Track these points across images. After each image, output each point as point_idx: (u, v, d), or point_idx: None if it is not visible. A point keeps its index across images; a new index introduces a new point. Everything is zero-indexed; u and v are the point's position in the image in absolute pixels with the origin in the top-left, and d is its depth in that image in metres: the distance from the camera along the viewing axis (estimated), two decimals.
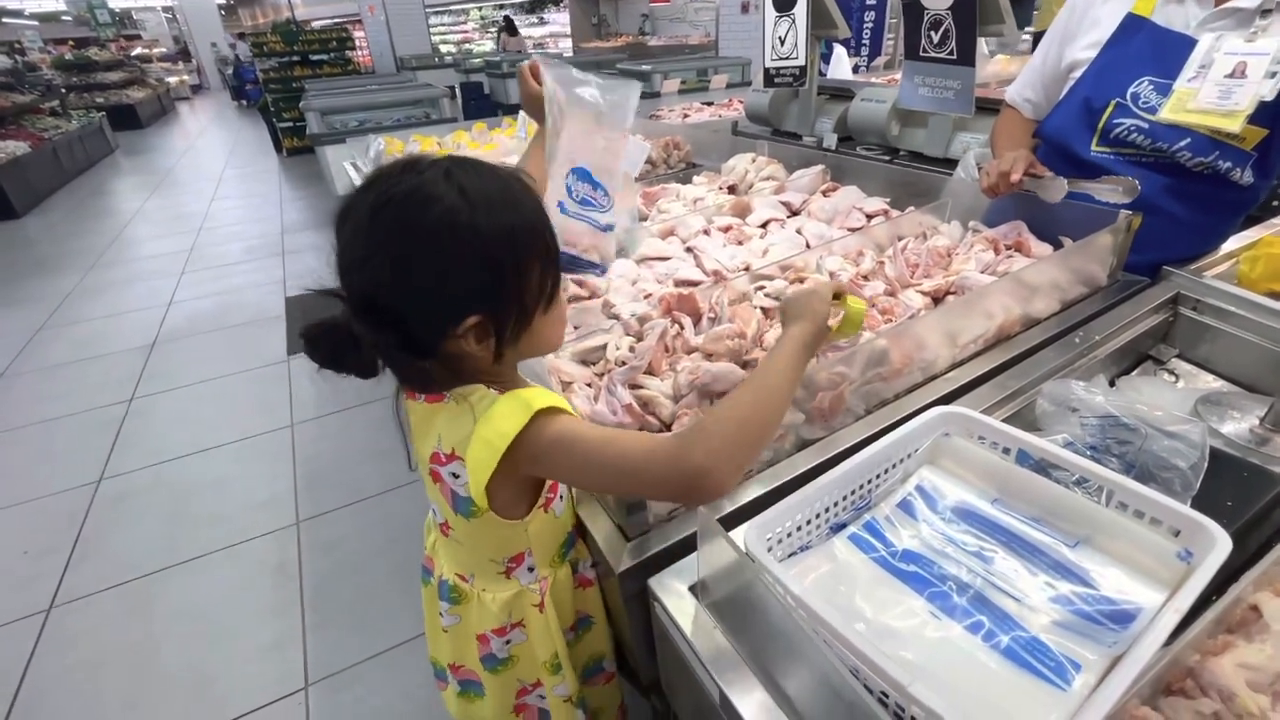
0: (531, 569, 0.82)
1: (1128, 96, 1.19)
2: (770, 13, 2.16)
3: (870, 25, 5.17)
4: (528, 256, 0.66)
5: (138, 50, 16.68)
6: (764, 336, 0.98)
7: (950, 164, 1.91)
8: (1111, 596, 0.60)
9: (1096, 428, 0.80)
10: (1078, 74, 1.28)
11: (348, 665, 1.76)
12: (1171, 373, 1.11)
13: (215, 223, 6.06)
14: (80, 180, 8.25)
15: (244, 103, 13.32)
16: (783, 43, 2.18)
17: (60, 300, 4.43)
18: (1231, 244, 1.25)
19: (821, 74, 2.72)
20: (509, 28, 11.67)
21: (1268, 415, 0.90)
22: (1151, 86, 1.16)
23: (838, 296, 0.81)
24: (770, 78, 2.27)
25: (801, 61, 2.13)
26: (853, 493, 0.73)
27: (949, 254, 1.25)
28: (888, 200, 1.53)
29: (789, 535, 0.68)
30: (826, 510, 0.71)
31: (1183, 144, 1.15)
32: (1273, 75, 1.03)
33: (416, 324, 0.63)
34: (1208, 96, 1.08)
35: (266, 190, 7.12)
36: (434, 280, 0.62)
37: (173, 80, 16.74)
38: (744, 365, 0.93)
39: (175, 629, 1.90)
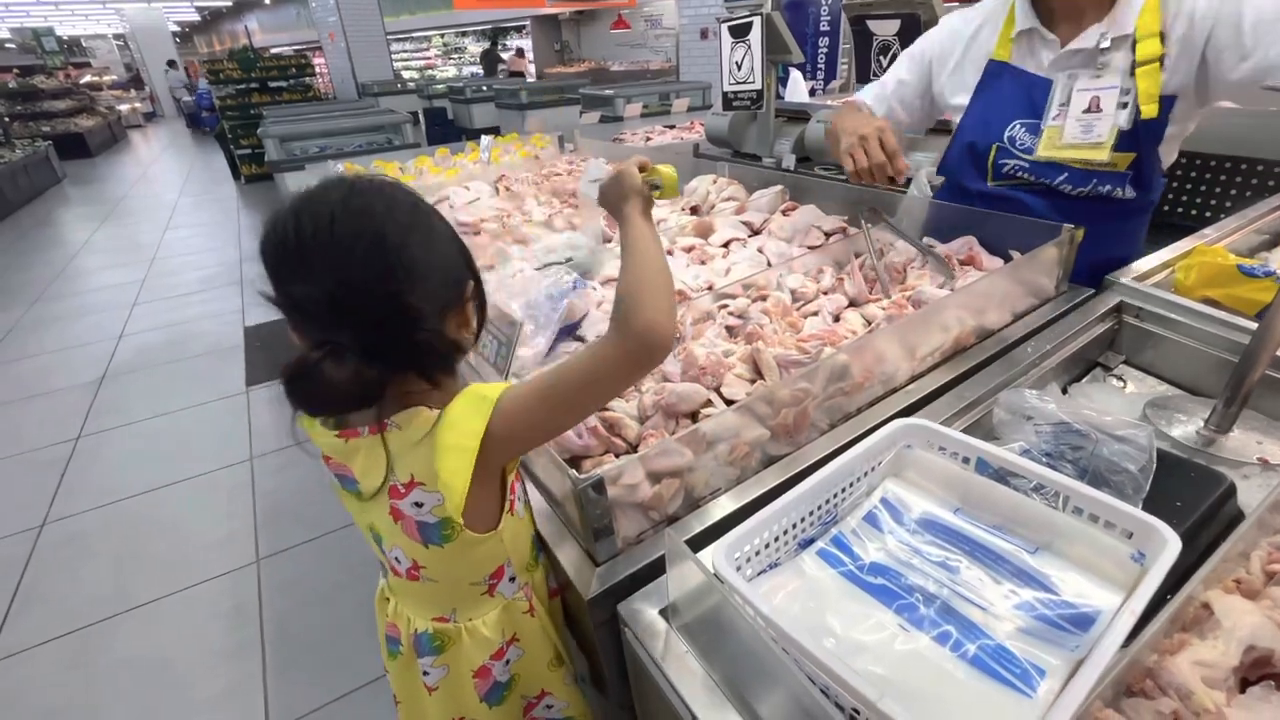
0: (513, 578, 0.80)
1: (1005, 140, 1.31)
2: (727, 39, 2.22)
3: (825, 50, 5.36)
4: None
5: (87, 78, 16.26)
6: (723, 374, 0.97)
7: (904, 182, 1.97)
8: (1071, 601, 0.61)
9: (1050, 435, 0.82)
10: (957, 118, 1.41)
11: (312, 709, 1.69)
12: (1120, 378, 1.15)
13: (169, 252, 5.90)
14: (25, 211, 7.97)
15: (203, 130, 13.07)
16: (739, 68, 2.24)
17: (1, 336, 4.24)
18: (1167, 253, 1.31)
19: (779, 97, 2.79)
20: (518, 52, 12.77)
21: (1211, 417, 0.93)
22: (1024, 128, 1.28)
23: (643, 170, 0.84)
24: (729, 101, 2.32)
25: (758, 86, 2.18)
26: (819, 508, 0.73)
27: (904, 269, 1.28)
28: (845, 218, 1.57)
29: (757, 554, 0.68)
30: (794, 526, 0.71)
31: (1062, 178, 1.27)
32: (1124, 106, 1.15)
33: (430, 297, 0.65)
34: (1072, 132, 1.20)
35: (224, 218, 6.97)
36: (437, 249, 0.67)
37: (124, 108, 16.37)
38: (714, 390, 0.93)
39: (123, 682, 1.80)
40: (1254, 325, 0.98)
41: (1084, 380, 1.15)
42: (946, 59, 1.41)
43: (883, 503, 0.78)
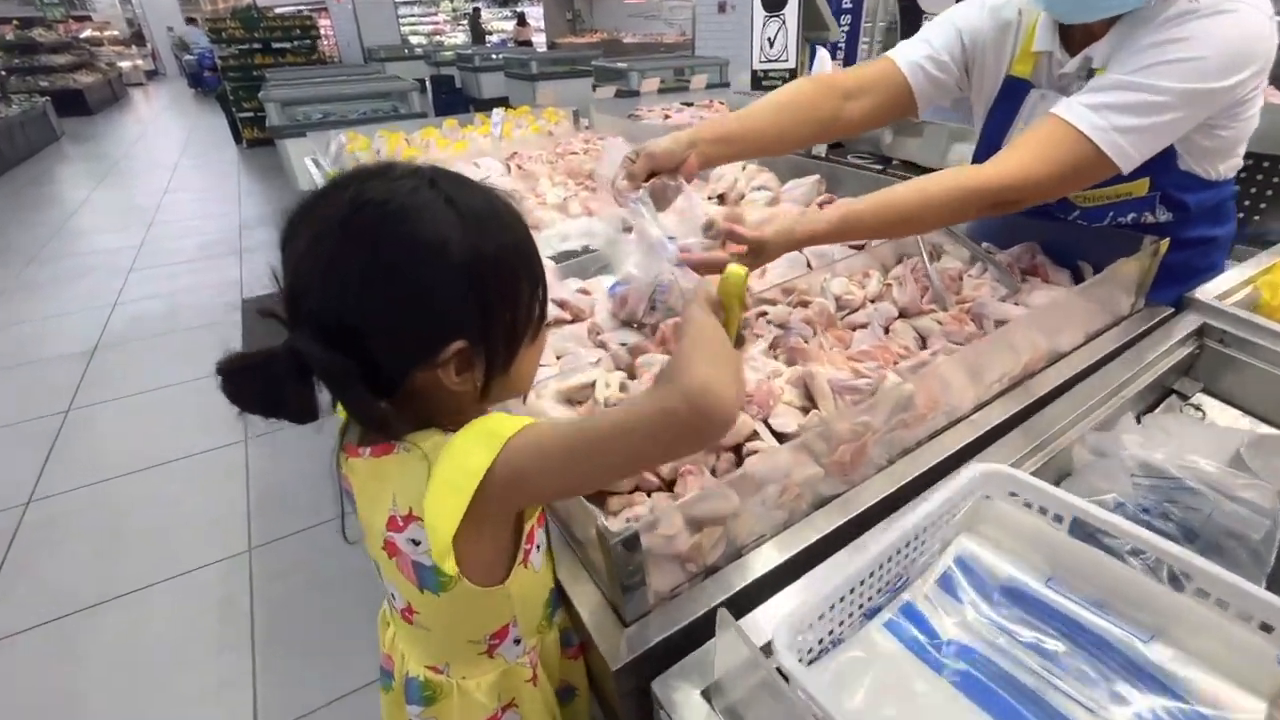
0: (518, 640, 0.70)
1: None
2: (759, 13, 2.07)
3: (846, 29, 5.14)
4: (519, 277, 0.59)
5: (88, 33, 15.88)
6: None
7: None
8: (1206, 713, 0.51)
9: (1149, 488, 0.71)
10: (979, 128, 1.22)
11: (304, 712, 1.61)
12: (1197, 408, 1.04)
13: (168, 216, 5.75)
14: (21, 169, 7.78)
15: (206, 90, 12.78)
16: (771, 44, 2.09)
17: None
18: (1249, 268, 1.19)
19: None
20: (520, 19, 12.65)
21: None
22: None
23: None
24: (758, 80, 2.18)
25: (792, 64, 2.04)
26: (887, 571, 0.63)
27: (960, 277, 1.16)
28: None
29: (820, 634, 0.58)
30: (860, 594, 0.61)
31: (1075, 214, 1.12)
32: None
33: (387, 350, 0.54)
34: None
35: (224, 183, 6.80)
36: (416, 298, 0.54)
37: (125, 65, 16.03)
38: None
39: (109, 672, 1.73)
40: None
41: (1159, 409, 1.04)
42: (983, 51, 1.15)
43: (958, 564, 0.67)
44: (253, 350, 0.53)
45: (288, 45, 8.54)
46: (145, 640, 1.82)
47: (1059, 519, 0.66)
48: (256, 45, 8.30)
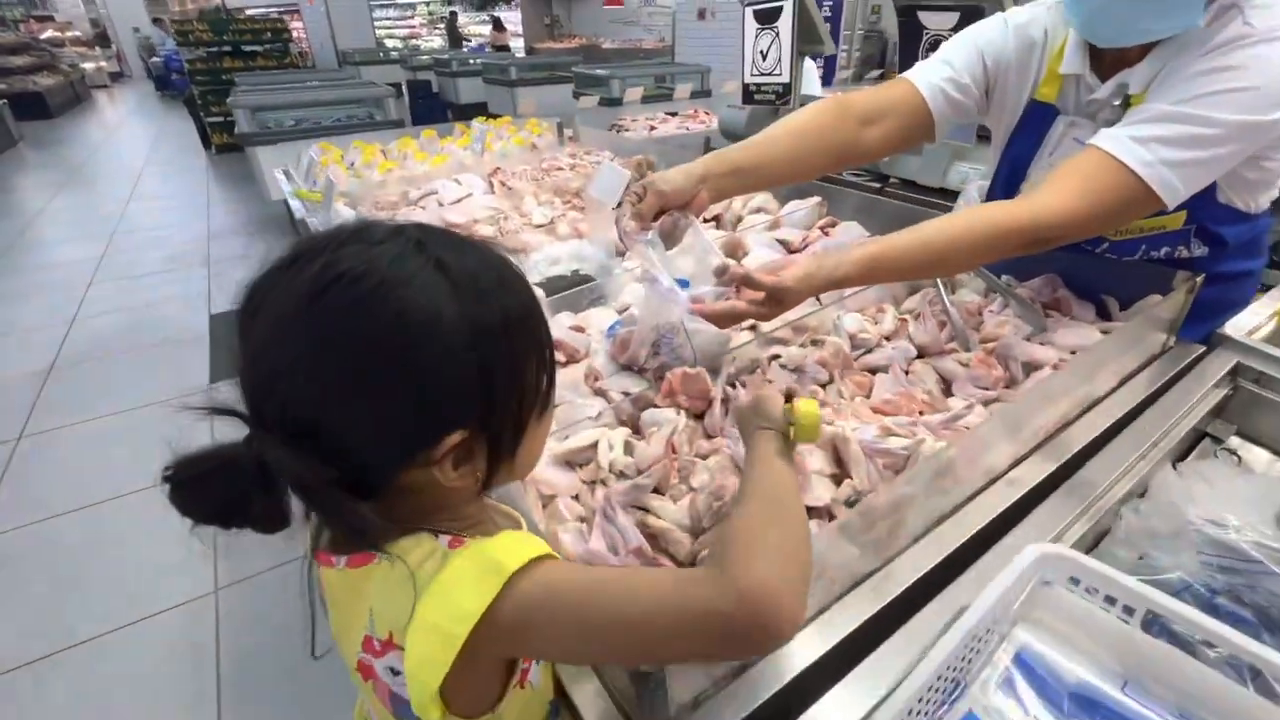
0: None
1: None
2: (751, 25, 2.00)
3: None
4: (525, 349, 0.51)
5: (49, 33, 15.36)
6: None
7: (946, 194, 1.79)
8: None
9: (1222, 567, 0.65)
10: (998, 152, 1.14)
11: None
12: (1233, 452, 0.99)
13: (132, 226, 5.52)
14: None
15: (172, 93, 12.42)
16: (764, 57, 2.02)
17: None
18: (1274, 300, 1.14)
19: None
20: (496, 24, 12.63)
21: None
22: None
23: (788, 399, 0.66)
24: (750, 94, 2.11)
25: (785, 79, 1.97)
26: (946, 680, 0.55)
27: (979, 312, 1.10)
28: None
29: None
30: (916, 714, 0.53)
31: (1104, 247, 1.06)
32: None
33: (372, 450, 0.46)
34: None
35: (192, 191, 6.57)
36: (406, 389, 0.45)
37: (89, 67, 15.50)
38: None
39: None
40: None
41: (1193, 455, 0.98)
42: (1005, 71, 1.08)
43: (1019, 663, 0.60)
44: (206, 452, 0.44)
45: (258, 48, 8.32)
46: (101, 696, 1.68)
47: (1129, 610, 0.59)
48: (225, 48, 8.07)
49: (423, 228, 0.50)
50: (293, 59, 8.73)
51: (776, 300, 0.78)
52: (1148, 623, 0.58)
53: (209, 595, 1.95)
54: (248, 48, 8.22)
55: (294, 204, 2.11)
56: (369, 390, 0.44)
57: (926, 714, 0.54)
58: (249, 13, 9.53)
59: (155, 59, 14.07)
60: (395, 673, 0.50)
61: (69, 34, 16.66)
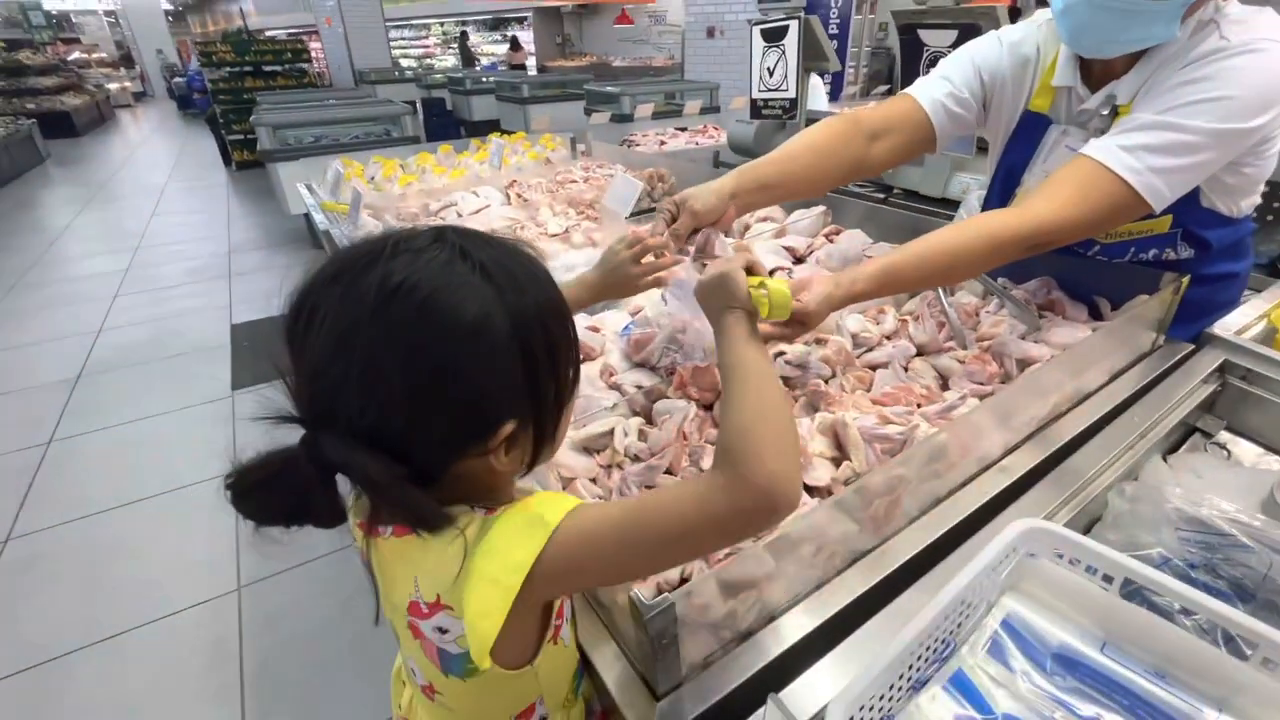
0: (544, 718, 0.66)
1: None
2: (759, 43, 2.08)
3: None
4: (558, 336, 0.56)
5: (75, 55, 15.85)
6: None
7: (948, 204, 1.84)
8: None
9: (1196, 542, 0.69)
10: (995, 160, 1.20)
11: None
12: (1222, 447, 1.03)
13: (155, 240, 5.67)
14: (5, 192, 7.69)
15: (194, 112, 12.75)
16: (771, 74, 2.10)
17: None
18: (1264, 302, 1.18)
19: None
20: (513, 43, 13.03)
21: None
22: None
23: (750, 272, 0.70)
24: (758, 110, 2.18)
25: (792, 94, 2.05)
26: (936, 640, 0.60)
27: (976, 313, 1.15)
28: (891, 247, 1.43)
29: (873, 709, 0.54)
30: (910, 668, 0.57)
31: (1095, 250, 1.11)
32: None
33: (435, 446, 0.51)
34: None
35: (214, 206, 6.74)
36: (466, 389, 0.50)
37: (114, 87, 15.99)
38: None
39: None
40: None
41: (1183, 449, 1.02)
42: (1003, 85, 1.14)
43: (1005, 627, 0.64)
44: (264, 459, 0.48)
45: (278, 68, 8.56)
46: (127, 689, 1.73)
47: (1108, 579, 0.63)
48: (247, 68, 8.30)
49: (458, 230, 0.55)
50: (311, 78, 8.96)
51: (800, 323, 0.81)
52: (1129, 594, 0.62)
53: (232, 593, 2.01)
54: (268, 68, 8.46)
55: (318, 216, 2.20)
56: (433, 393, 0.48)
57: (918, 669, 0.58)
58: (269, 34, 9.80)
59: (178, 79, 14.47)
60: (443, 631, 0.55)
61: (95, 55, 17.21)
